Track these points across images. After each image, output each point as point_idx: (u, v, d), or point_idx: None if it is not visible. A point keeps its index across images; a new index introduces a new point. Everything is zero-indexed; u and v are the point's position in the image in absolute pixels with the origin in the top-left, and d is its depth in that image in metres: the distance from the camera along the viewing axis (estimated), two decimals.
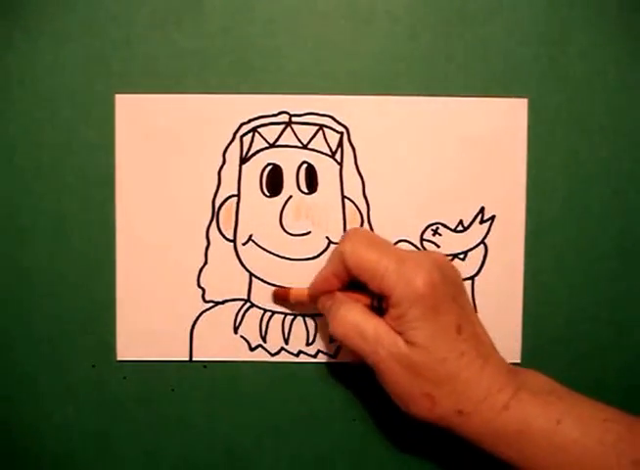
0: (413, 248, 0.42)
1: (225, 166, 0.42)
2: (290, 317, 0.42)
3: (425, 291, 0.35)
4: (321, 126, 0.42)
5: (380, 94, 0.42)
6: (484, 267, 0.42)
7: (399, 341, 0.35)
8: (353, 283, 0.38)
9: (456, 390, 0.35)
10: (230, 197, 0.42)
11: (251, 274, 0.42)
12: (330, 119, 0.42)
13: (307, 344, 0.42)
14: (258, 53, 0.41)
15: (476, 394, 0.35)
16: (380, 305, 0.37)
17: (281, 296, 0.42)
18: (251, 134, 0.42)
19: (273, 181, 0.42)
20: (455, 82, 0.42)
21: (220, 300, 0.42)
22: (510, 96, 0.42)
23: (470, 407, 0.35)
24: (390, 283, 0.35)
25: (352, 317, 0.37)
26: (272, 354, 0.42)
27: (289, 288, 0.42)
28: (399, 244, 0.42)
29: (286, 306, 0.42)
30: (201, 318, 0.42)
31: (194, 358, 0.42)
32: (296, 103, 0.42)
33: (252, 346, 0.42)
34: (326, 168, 0.42)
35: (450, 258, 0.42)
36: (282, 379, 0.43)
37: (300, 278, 0.42)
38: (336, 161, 0.42)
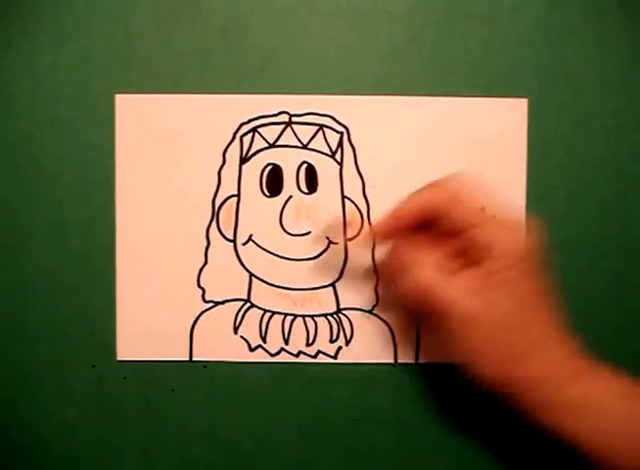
0: None
1: (225, 166, 0.42)
2: (290, 317, 0.42)
3: (529, 253, 0.34)
4: (321, 126, 0.42)
5: (380, 94, 0.42)
6: None
7: (477, 303, 0.34)
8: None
9: (532, 356, 0.34)
10: (230, 197, 0.42)
11: (251, 274, 0.42)
12: (330, 119, 0.42)
13: (307, 344, 0.42)
14: (258, 53, 0.41)
15: (550, 362, 0.34)
16: (466, 257, 0.35)
17: (347, 225, 0.40)
18: (251, 134, 0.42)
19: (273, 181, 0.42)
20: (455, 82, 0.42)
21: (220, 300, 0.42)
22: (510, 96, 0.42)
23: (542, 375, 0.34)
24: (496, 235, 0.34)
25: (426, 278, 0.35)
26: (272, 355, 0.42)
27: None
28: None
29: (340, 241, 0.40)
30: (201, 318, 0.42)
31: (194, 358, 0.42)
32: (296, 103, 0.42)
33: (252, 346, 0.42)
34: (326, 168, 0.42)
35: None
36: (282, 379, 0.43)
37: (300, 278, 0.42)
38: (336, 161, 0.42)
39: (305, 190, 0.42)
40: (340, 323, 0.42)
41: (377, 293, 0.42)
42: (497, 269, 0.34)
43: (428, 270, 0.35)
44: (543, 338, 0.34)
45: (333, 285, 0.42)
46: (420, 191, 0.37)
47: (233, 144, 0.42)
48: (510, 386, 0.35)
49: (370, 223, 0.42)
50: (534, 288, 0.35)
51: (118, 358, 0.42)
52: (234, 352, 0.42)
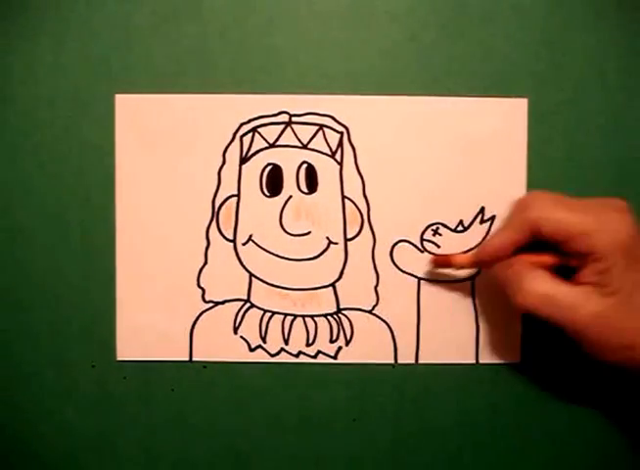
0: (413, 248, 0.42)
1: (225, 166, 0.42)
2: (290, 318, 0.42)
3: (629, 241, 0.35)
4: (321, 126, 0.42)
5: (380, 94, 0.42)
6: None
7: (595, 300, 0.35)
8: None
9: None
10: (230, 197, 0.42)
11: (251, 274, 0.42)
12: (330, 119, 0.42)
13: (307, 344, 0.42)
14: (258, 53, 0.41)
15: None
16: (569, 264, 0.36)
17: (442, 263, 0.41)
18: (250, 134, 0.42)
19: (273, 181, 0.42)
20: (455, 82, 0.42)
21: (220, 300, 0.42)
22: (510, 96, 0.42)
23: None
24: (595, 239, 0.35)
25: (540, 287, 0.36)
26: (272, 355, 0.42)
27: (450, 255, 0.41)
28: (399, 244, 0.42)
29: (444, 272, 0.41)
30: (201, 318, 0.42)
31: (194, 358, 0.42)
32: (296, 103, 0.42)
33: (252, 346, 0.42)
34: (326, 168, 0.42)
35: None
36: (282, 379, 0.43)
37: (300, 278, 0.42)
38: (336, 161, 0.42)
39: (305, 190, 0.42)
40: (340, 323, 0.42)
41: (377, 293, 0.42)
42: (602, 269, 0.35)
43: (541, 280, 0.36)
44: None
45: (333, 285, 0.42)
46: (506, 224, 0.38)
47: (233, 144, 0.42)
48: (637, 367, 0.36)
49: (370, 223, 0.42)
50: None
51: (118, 358, 0.42)
52: (234, 352, 0.42)
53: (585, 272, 0.36)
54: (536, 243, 0.37)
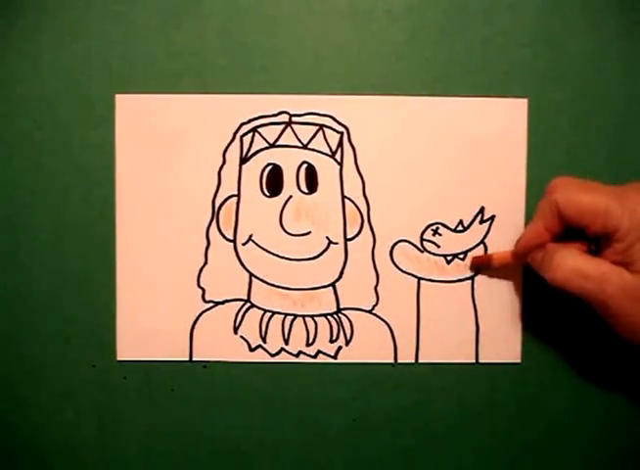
0: (413, 248, 0.42)
1: (225, 166, 0.42)
2: (290, 318, 0.42)
3: None
4: (321, 126, 0.42)
5: (380, 94, 0.42)
6: None
7: (625, 274, 0.36)
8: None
9: None
10: (230, 197, 0.42)
11: (251, 274, 0.42)
12: (330, 119, 0.42)
13: (307, 344, 0.42)
14: (258, 53, 0.41)
15: None
16: (597, 246, 0.37)
17: (482, 263, 0.42)
18: (251, 134, 0.42)
19: (273, 181, 0.42)
20: (455, 82, 0.42)
21: (220, 300, 0.42)
22: (510, 96, 0.42)
23: None
24: (615, 218, 0.35)
25: (571, 261, 0.37)
26: (272, 355, 0.42)
27: (489, 254, 0.41)
28: (399, 244, 0.42)
29: (485, 271, 0.42)
30: (201, 318, 0.42)
31: (194, 358, 0.42)
32: (295, 103, 0.42)
33: (252, 346, 0.42)
34: (326, 168, 0.42)
35: (450, 257, 0.42)
36: (282, 379, 0.43)
37: (300, 278, 0.42)
38: (336, 161, 0.42)
39: (305, 190, 0.42)
40: (340, 323, 0.42)
41: (377, 293, 0.42)
42: (625, 247, 0.36)
43: (571, 255, 0.37)
44: None
45: (333, 285, 0.42)
46: (536, 213, 0.39)
47: (233, 144, 0.42)
48: None
49: (370, 223, 0.42)
50: None
51: (118, 358, 0.42)
52: (234, 352, 0.42)
53: (608, 252, 0.36)
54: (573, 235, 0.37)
